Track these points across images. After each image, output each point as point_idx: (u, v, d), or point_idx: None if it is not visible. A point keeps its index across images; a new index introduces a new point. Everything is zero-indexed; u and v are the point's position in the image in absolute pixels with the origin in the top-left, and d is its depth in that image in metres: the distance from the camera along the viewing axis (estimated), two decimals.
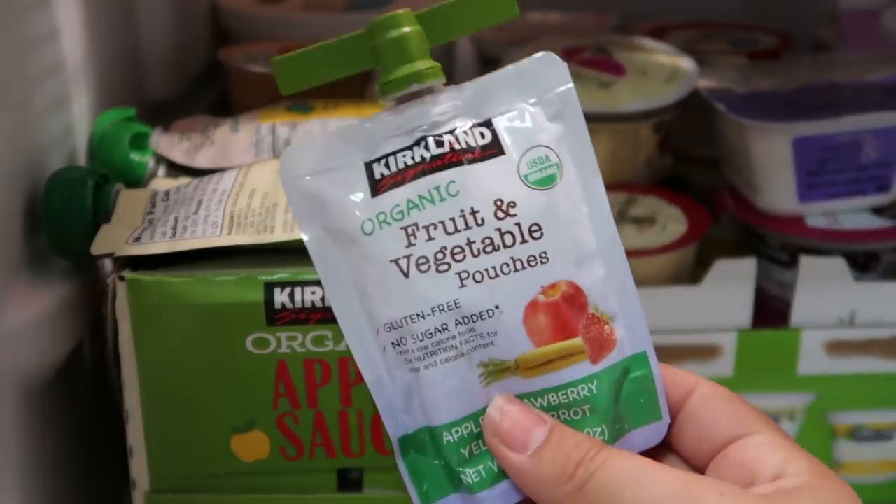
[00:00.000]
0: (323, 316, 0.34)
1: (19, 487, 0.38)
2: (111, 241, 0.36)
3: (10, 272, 0.38)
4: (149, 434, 0.36)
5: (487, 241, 0.27)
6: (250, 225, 0.35)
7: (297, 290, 0.34)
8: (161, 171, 0.44)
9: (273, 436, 0.36)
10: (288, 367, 0.35)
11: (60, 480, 0.42)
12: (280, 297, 0.34)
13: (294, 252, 0.35)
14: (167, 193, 0.38)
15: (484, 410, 0.28)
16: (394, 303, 0.28)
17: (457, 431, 0.28)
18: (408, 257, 0.27)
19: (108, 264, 0.40)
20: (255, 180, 0.38)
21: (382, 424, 0.36)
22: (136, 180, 0.43)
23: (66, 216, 0.38)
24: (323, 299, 0.34)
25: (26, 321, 0.38)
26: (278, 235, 0.35)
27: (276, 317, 0.34)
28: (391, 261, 0.28)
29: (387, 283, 0.28)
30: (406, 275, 0.27)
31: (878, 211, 0.55)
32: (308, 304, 0.34)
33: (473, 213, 0.27)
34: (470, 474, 0.28)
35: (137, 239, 0.35)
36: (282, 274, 0.34)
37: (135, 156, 0.44)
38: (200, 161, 0.44)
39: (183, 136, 0.46)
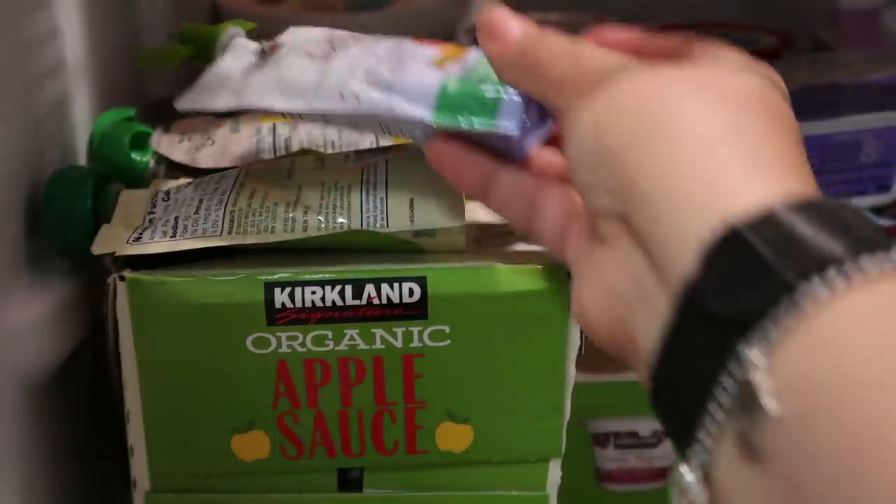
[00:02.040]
0: (323, 315, 0.34)
1: (20, 487, 0.38)
2: (111, 240, 0.36)
3: (10, 272, 0.38)
4: (149, 434, 0.36)
5: None
6: (251, 225, 0.35)
7: (298, 290, 0.34)
8: (162, 171, 0.44)
9: (273, 435, 0.36)
10: (288, 366, 0.35)
11: (61, 480, 0.42)
12: (280, 297, 0.34)
13: (294, 252, 0.35)
14: (168, 193, 0.38)
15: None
16: None
17: None
18: None
19: (108, 264, 0.40)
20: (255, 180, 0.38)
21: (382, 422, 0.36)
22: (137, 180, 0.43)
23: (66, 216, 0.38)
24: (323, 299, 0.34)
25: (27, 321, 0.38)
26: (279, 235, 0.35)
27: (277, 316, 0.34)
28: None
29: None
30: None
31: (878, 211, 0.55)
32: (308, 304, 0.34)
33: None
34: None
35: (138, 239, 0.35)
36: (282, 274, 0.34)
37: (136, 156, 0.44)
38: (201, 161, 0.44)
39: (183, 137, 0.46)
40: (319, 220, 0.35)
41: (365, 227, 0.35)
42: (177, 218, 0.36)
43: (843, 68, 0.59)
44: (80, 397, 0.45)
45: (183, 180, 0.41)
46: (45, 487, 0.41)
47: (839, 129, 0.53)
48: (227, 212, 0.36)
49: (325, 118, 0.35)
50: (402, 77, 0.33)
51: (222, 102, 0.35)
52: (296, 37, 0.37)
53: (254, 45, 0.37)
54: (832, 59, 0.61)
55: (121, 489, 0.49)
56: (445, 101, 0.32)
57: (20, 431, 0.38)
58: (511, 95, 0.32)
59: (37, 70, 0.42)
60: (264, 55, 0.36)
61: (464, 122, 0.32)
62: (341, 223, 0.35)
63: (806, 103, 0.54)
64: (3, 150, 0.38)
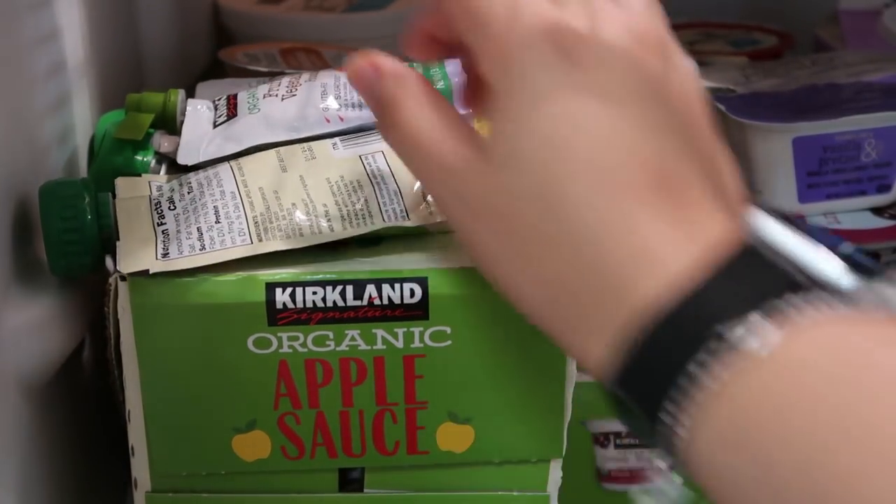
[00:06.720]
0: (324, 316, 0.34)
1: (19, 487, 0.38)
2: (137, 257, 0.35)
3: (10, 271, 0.38)
4: (150, 433, 0.36)
5: None
6: (277, 230, 0.35)
7: (299, 291, 0.34)
8: (163, 170, 0.44)
9: (274, 436, 0.36)
10: (289, 367, 0.35)
11: (61, 480, 0.42)
12: (281, 298, 0.34)
13: (297, 251, 0.35)
14: (171, 201, 0.38)
15: None
16: None
17: None
18: None
19: (109, 264, 0.40)
20: (256, 179, 0.38)
21: (383, 423, 0.36)
22: None
23: (70, 241, 0.37)
24: (325, 299, 0.34)
25: (27, 321, 0.38)
26: (308, 239, 0.35)
27: (278, 317, 0.34)
28: None
29: None
30: None
31: (877, 211, 0.55)
32: (310, 305, 0.34)
33: None
34: None
35: (166, 255, 0.35)
36: (283, 274, 0.34)
37: (137, 156, 0.44)
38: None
39: None
40: (344, 220, 0.36)
41: (387, 221, 0.35)
42: (199, 229, 0.36)
43: (843, 68, 0.59)
44: (80, 397, 0.45)
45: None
46: (45, 487, 0.41)
47: (839, 129, 0.53)
48: (249, 217, 0.36)
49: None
50: None
51: (213, 150, 0.40)
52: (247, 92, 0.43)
53: (207, 103, 0.43)
54: (832, 59, 0.61)
55: (121, 489, 0.49)
56: None
57: (20, 431, 0.38)
58: (454, 78, 0.40)
59: (37, 70, 0.42)
60: (221, 108, 0.42)
61: None
62: (366, 221, 0.35)
63: (806, 103, 0.54)
64: (4, 150, 0.38)
